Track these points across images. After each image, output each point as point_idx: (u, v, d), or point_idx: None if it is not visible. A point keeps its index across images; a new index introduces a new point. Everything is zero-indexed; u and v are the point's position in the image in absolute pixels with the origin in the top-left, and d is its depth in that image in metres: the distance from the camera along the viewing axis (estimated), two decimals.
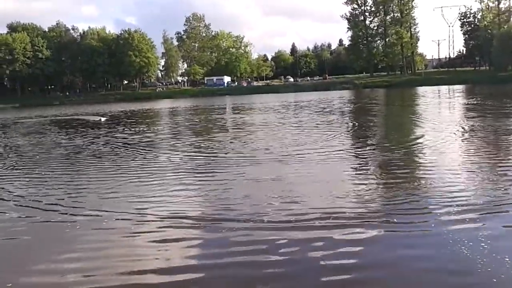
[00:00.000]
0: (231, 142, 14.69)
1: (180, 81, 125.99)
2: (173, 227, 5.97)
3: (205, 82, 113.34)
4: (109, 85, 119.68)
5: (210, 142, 15.02)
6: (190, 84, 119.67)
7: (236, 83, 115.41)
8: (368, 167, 9.92)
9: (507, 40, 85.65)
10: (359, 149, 12.27)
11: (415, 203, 6.45)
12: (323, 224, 5.77)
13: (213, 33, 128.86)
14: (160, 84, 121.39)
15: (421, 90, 61.48)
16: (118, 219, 6.43)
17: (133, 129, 22.40)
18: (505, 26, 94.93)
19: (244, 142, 14.59)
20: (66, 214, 6.83)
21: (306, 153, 11.53)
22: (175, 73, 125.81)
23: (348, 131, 16.77)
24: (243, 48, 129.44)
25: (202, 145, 14.38)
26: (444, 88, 65.48)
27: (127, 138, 17.93)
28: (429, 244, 4.97)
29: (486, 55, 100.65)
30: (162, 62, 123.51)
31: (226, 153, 12.38)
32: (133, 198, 7.60)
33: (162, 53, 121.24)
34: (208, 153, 12.71)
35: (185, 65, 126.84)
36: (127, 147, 14.86)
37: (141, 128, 22.75)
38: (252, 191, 7.69)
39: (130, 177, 9.56)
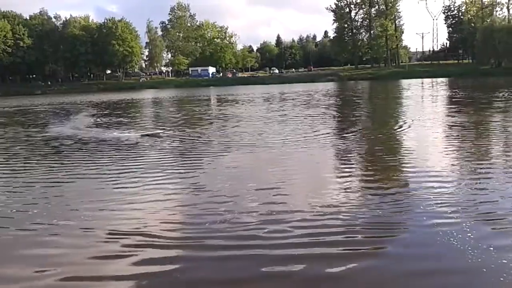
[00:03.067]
0: (213, 135, 14.50)
1: (164, 71, 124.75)
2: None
3: (190, 72, 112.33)
4: (91, 75, 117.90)
5: (193, 135, 14.81)
6: (175, 74, 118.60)
7: (221, 74, 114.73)
8: (350, 161, 9.83)
9: (489, 33, 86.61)
10: (343, 142, 12.18)
11: (397, 201, 6.35)
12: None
13: (198, 23, 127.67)
14: (144, 74, 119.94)
15: (405, 82, 61.90)
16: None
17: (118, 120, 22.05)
18: (488, 20, 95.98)
19: (227, 135, 14.41)
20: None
21: (292, 150, 11.39)
22: (159, 63, 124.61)
23: (332, 124, 16.71)
24: (228, 38, 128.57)
25: (184, 139, 14.16)
26: (427, 80, 66.10)
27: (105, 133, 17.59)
28: (412, 242, 4.89)
29: (469, 49, 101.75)
30: (146, 52, 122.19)
31: (207, 147, 12.21)
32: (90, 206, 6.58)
33: (146, 42, 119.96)
34: (190, 147, 12.51)
35: (170, 55, 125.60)
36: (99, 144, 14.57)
37: (124, 120, 22.41)
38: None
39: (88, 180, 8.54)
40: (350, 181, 7.53)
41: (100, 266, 4.58)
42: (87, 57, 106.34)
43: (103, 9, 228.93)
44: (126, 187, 7.65)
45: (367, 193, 6.65)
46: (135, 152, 11.55)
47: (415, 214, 5.62)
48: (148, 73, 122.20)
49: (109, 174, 8.86)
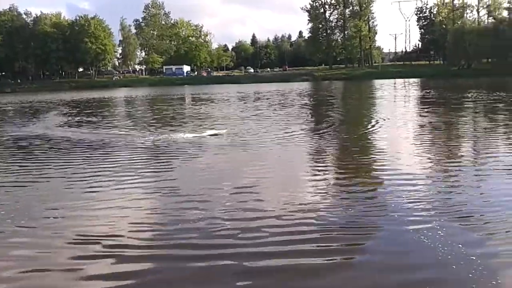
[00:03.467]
0: (187, 135, 14.36)
1: (138, 69, 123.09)
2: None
3: (164, 71, 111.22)
4: (63, 73, 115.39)
5: (166, 134, 14.65)
6: (148, 73, 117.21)
7: (196, 72, 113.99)
8: (324, 161, 9.91)
9: (460, 35, 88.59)
10: (317, 142, 12.25)
11: (370, 201, 6.42)
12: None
13: (172, 21, 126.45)
14: (117, 73, 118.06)
15: (378, 82, 62.75)
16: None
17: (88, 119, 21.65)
18: (459, 22, 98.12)
19: (202, 135, 14.29)
20: None
21: (267, 150, 11.40)
22: (133, 61, 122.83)
23: (307, 124, 16.78)
24: (203, 37, 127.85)
25: (157, 139, 13.98)
26: (400, 81, 67.18)
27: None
28: (385, 242, 4.93)
29: (441, 50, 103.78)
30: (120, 50, 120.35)
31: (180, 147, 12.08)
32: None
33: (120, 40, 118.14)
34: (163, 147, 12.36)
35: (143, 54, 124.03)
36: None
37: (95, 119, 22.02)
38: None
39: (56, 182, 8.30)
40: (324, 181, 7.55)
41: (67, 271, 4.42)
42: (58, 55, 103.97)
43: (75, 6, 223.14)
44: (97, 189, 7.45)
45: (341, 194, 6.69)
46: (106, 153, 11.31)
47: (389, 214, 5.67)
48: (121, 72, 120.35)
49: (79, 175, 8.62)
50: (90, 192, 7.30)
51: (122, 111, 28.66)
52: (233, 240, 4.99)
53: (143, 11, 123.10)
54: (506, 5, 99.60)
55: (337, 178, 7.83)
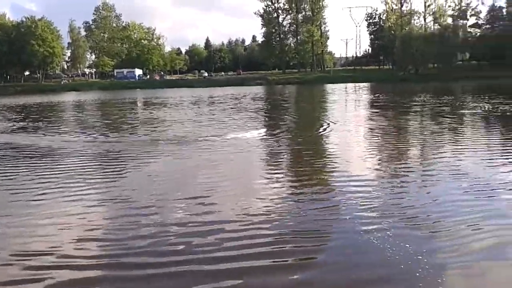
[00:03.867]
0: (138, 141, 14.07)
1: (87, 73, 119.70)
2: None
3: (115, 74, 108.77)
4: (8, 77, 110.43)
5: (117, 140, 14.30)
6: (99, 76, 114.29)
7: (148, 76, 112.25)
8: (278, 166, 9.97)
9: (408, 41, 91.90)
10: (271, 147, 12.31)
11: (324, 206, 6.47)
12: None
13: (123, 24, 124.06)
14: (66, 76, 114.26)
15: (330, 87, 63.97)
16: None
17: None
18: (407, 28, 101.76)
19: (154, 140, 14.04)
20: None
21: (220, 155, 11.32)
22: (82, 64, 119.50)
23: (261, 128, 16.82)
24: (155, 40, 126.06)
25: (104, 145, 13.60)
26: (351, 85, 68.76)
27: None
28: (340, 246, 4.99)
29: (390, 55, 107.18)
30: (68, 52, 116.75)
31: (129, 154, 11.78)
32: None
33: (68, 43, 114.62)
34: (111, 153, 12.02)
35: (93, 57, 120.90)
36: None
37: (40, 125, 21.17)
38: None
39: None
40: (277, 186, 7.55)
41: None
42: (2, 57, 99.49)
43: (21, 7, 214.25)
44: (40, 200, 7.01)
45: (295, 198, 6.71)
46: (53, 160, 10.85)
47: (340, 218, 5.76)
48: (70, 75, 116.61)
49: (22, 184, 8.18)
50: (33, 203, 6.88)
51: (70, 116, 27.70)
52: (185, 249, 4.86)
53: (93, 13, 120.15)
54: (450, 12, 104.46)
55: (290, 182, 7.88)
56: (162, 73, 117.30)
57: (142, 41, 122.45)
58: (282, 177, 8.36)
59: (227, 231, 5.36)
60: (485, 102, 24.08)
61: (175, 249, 4.93)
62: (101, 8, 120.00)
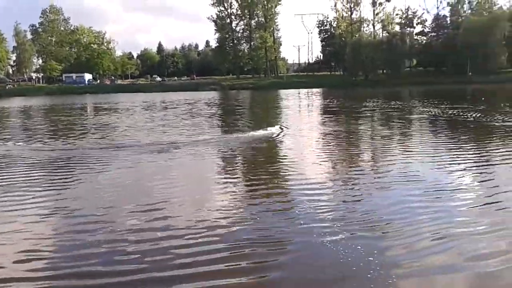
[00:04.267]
0: (88, 148, 13.64)
1: (34, 77, 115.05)
2: None
3: (63, 79, 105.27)
4: None
5: (65, 147, 13.80)
6: (46, 81, 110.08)
7: (99, 81, 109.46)
8: (233, 172, 9.93)
9: (357, 48, 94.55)
10: (225, 152, 12.27)
11: (278, 212, 6.50)
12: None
13: (72, 28, 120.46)
14: (11, 81, 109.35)
15: (283, 92, 64.69)
16: None
17: None
18: (357, 35, 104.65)
19: (104, 147, 13.66)
20: None
21: (173, 162, 11.15)
22: (29, 69, 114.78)
23: (215, 133, 16.75)
24: (105, 44, 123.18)
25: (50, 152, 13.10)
26: (304, 91, 69.84)
27: None
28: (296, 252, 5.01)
29: (341, 61, 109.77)
30: (14, 56, 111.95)
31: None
32: None
33: (14, 47, 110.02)
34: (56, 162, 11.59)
35: (41, 61, 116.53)
36: None
37: None
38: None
39: None
40: (233, 194, 7.42)
41: None
42: None
43: None
44: None
45: (250, 207, 6.65)
46: None
47: (297, 224, 5.77)
48: (15, 80, 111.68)
49: None
50: None
51: (15, 123, 26.49)
52: (138, 265, 4.64)
53: (40, 16, 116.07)
54: (397, 20, 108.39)
55: (246, 191, 7.82)
56: (113, 77, 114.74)
57: (92, 45, 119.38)
58: (238, 185, 8.28)
59: (180, 241, 5.22)
60: (432, 107, 25.11)
61: (127, 259, 4.78)
62: (48, 11, 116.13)
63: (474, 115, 19.72)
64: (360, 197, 6.92)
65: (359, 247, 4.84)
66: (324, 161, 10.27)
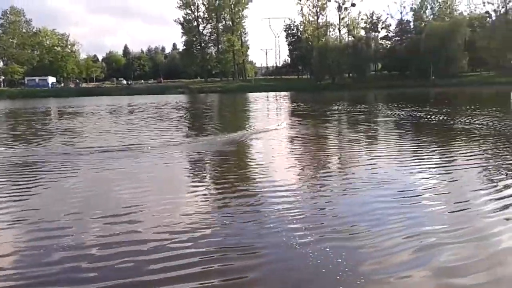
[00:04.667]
0: (51, 153, 13.28)
1: None
2: None
3: (26, 82, 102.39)
4: None
5: (26, 153, 13.38)
6: (7, 84, 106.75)
7: (63, 84, 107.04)
8: (202, 177, 9.87)
9: (324, 52, 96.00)
10: (193, 156, 12.18)
11: (248, 216, 6.50)
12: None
13: (34, 30, 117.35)
14: None
15: (252, 96, 64.89)
16: None
17: None
18: (323, 39, 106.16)
19: (69, 152, 13.33)
20: None
21: (141, 167, 10.97)
22: None
23: (183, 137, 16.61)
24: (69, 47, 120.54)
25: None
26: (272, 94, 70.26)
27: None
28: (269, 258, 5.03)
29: (308, 65, 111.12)
30: None
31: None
32: None
33: None
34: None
35: (1, 63, 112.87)
36: None
37: None
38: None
39: None
40: (202, 200, 7.28)
41: None
42: None
43: None
44: None
45: (219, 212, 6.56)
46: None
47: (267, 228, 5.73)
48: None
49: None
50: None
51: None
52: (104, 272, 4.50)
53: (0, 18, 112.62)
54: (363, 25, 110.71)
55: (214, 195, 7.72)
56: (77, 81, 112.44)
57: (55, 47, 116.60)
58: (206, 189, 8.14)
59: (150, 251, 5.04)
60: (398, 110, 25.68)
61: (92, 267, 4.63)
62: (8, 12, 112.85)
63: (438, 117, 20.24)
64: (329, 200, 6.95)
65: (327, 249, 4.88)
66: (293, 164, 10.32)
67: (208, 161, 11.37)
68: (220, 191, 7.92)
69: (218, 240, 5.35)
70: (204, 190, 8.03)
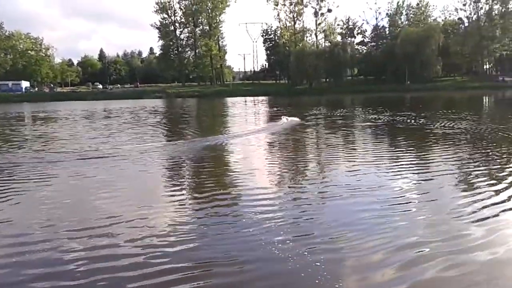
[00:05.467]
0: (24, 160, 12.99)
1: None
2: None
3: None
4: None
5: None
6: None
7: (37, 88, 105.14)
8: (180, 183, 9.79)
9: (301, 57, 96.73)
10: (172, 162, 12.09)
11: (226, 223, 6.50)
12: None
13: (7, 33, 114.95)
14: None
15: (230, 100, 64.88)
16: None
17: None
18: (300, 44, 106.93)
19: (43, 159, 13.06)
20: None
21: (118, 173, 10.82)
22: None
23: (161, 142, 16.45)
24: (44, 51, 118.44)
25: None
26: (250, 98, 70.38)
27: None
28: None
29: (285, 70, 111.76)
30: None
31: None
32: None
33: None
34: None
35: None
36: None
37: None
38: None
39: None
40: (181, 209, 7.12)
41: None
42: None
43: None
44: None
45: (198, 220, 6.48)
46: None
47: (248, 236, 5.70)
48: None
49: None
50: None
51: None
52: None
53: None
54: (339, 30, 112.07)
55: (193, 203, 7.59)
56: (52, 85, 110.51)
57: (29, 51, 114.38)
58: (185, 198, 7.97)
59: (126, 261, 4.90)
60: (376, 114, 25.93)
61: (68, 284, 4.43)
62: None
63: (418, 122, 20.49)
64: (309, 206, 6.95)
65: (305, 253, 4.92)
66: (273, 170, 10.24)
67: (186, 167, 11.25)
68: (199, 199, 7.78)
69: (197, 249, 5.28)
70: (182, 198, 7.85)
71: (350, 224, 5.94)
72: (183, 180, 9.75)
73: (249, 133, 18.22)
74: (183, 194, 8.22)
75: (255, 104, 51.00)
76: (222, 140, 16.05)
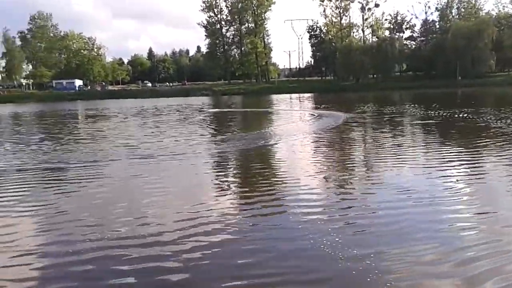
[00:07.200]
0: (80, 156, 13.58)
1: (24, 84, 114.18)
2: None
3: (54, 85, 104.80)
4: None
5: (55, 156, 13.72)
6: (36, 87, 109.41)
7: (89, 87, 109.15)
8: (227, 178, 9.91)
9: (348, 52, 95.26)
10: (221, 159, 12.29)
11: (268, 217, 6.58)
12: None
13: (62, 34, 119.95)
14: (0, 88, 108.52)
15: (275, 97, 64.78)
16: None
17: None
18: (346, 40, 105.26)
19: (96, 155, 13.61)
20: None
21: (168, 169, 11.11)
22: (19, 75, 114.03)
23: (208, 139, 16.74)
24: (96, 50, 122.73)
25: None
26: (295, 95, 70.03)
27: None
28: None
29: (331, 66, 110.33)
30: (3, 63, 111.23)
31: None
32: None
33: (3, 53, 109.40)
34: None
35: (30, 67, 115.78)
36: None
37: None
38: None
39: None
40: (228, 200, 7.37)
41: None
42: None
43: None
44: None
45: (245, 219, 6.58)
46: None
47: (295, 229, 5.81)
48: (5, 86, 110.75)
49: None
50: None
51: (6, 129, 26.25)
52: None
53: (29, 22, 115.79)
54: (387, 25, 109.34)
55: (240, 195, 7.84)
56: (103, 83, 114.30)
57: (82, 51, 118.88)
58: (235, 189, 8.24)
59: (172, 264, 4.91)
60: (425, 111, 25.14)
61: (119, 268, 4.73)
62: (36, 17, 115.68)
63: (482, 118, 19.41)
64: (355, 203, 6.94)
65: (353, 250, 4.91)
66: (319, 169, 9.98)
67: (232, 165, 11.39)
68: (244, 194, 7.94)
69: (243, 246, 5.40)
70: (229, 194, 7.99)
71: (397, 223, 5.83)
72: (230, 176, 9.77)
73: (297, 132, 18.01)
74: (229, 190, 8.25)
75: (300, 101, 50.70)
76: (268, 137, 16.11)
